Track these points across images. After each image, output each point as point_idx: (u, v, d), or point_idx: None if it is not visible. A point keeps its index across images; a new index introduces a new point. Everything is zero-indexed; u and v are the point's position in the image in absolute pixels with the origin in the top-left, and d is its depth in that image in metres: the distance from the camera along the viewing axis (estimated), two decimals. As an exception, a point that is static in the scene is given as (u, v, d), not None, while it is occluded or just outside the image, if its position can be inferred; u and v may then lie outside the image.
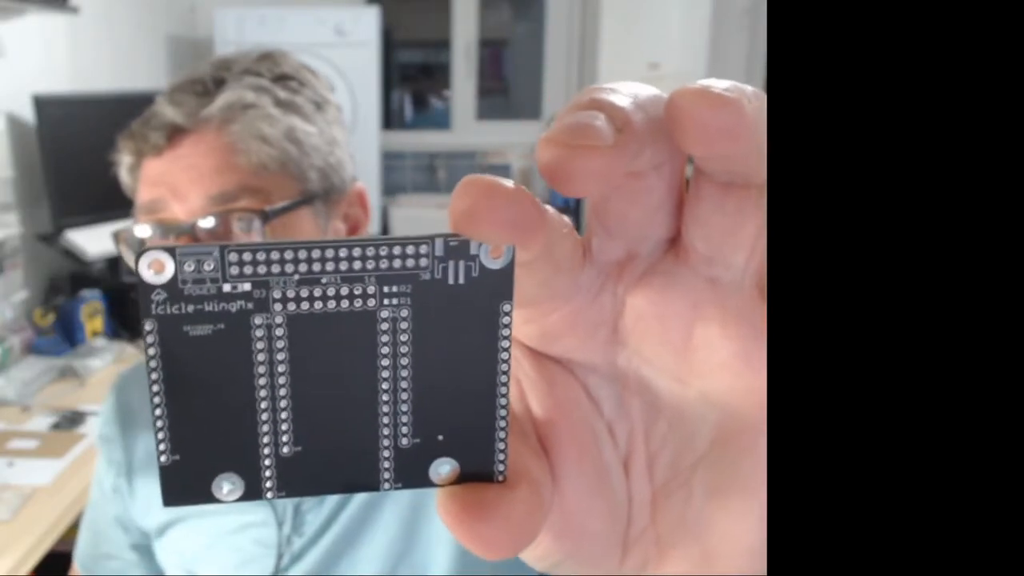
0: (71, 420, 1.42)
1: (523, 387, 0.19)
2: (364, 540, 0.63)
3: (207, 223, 0.59)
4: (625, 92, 0.16)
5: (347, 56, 2.56)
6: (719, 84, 0.15)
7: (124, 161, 0.64)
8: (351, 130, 2.55)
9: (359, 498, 0.63)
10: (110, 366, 1.67)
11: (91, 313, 1.78)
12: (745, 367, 0.18)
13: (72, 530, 0.77)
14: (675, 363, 0.18)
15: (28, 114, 1.75)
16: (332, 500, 0.63)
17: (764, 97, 0.16)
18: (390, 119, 3.16)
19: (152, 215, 0.62)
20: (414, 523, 0.62)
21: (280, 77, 0.66)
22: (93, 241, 1.76)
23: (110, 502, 0.72)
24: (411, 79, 3.33)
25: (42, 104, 1.74)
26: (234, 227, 0.60)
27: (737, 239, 0.17)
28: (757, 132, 0.15)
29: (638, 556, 0.20)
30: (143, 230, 0.61)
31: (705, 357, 0.18)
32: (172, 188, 0.61)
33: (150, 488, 0.69)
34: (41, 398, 1.51)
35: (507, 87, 3.32)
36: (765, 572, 0.19)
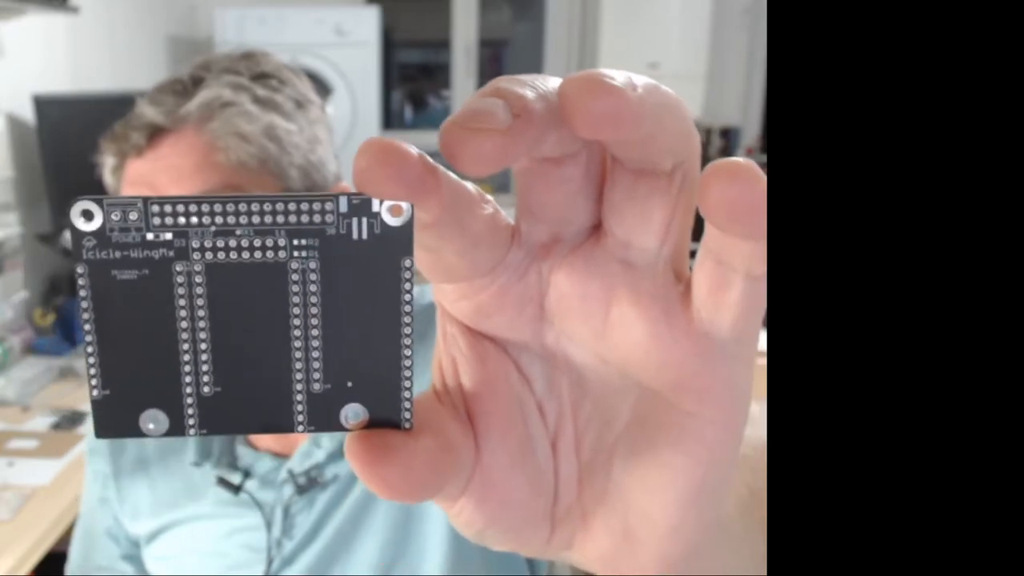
0: (71, 420, 1.42)
1: (457, 363, 0.20)
2: (356, 543, 0.63)
3: None
4: (530, 83, 0.17)
5: (347, 56, 2.55)
6: (608, 73, 0.16)
7: (107, 163, 0.64)
8: (351, 130, 2.55)
9: (350, 501, 0.63)
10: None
11: (91, 313, 1.78)
12: (656, 346, 0.19)
13: (72, 530, 0.77)
14: (595, 341, 0.20)
15: (28, 114, 1.75)
16: (322, 503, 0.63)
17: (660, 89, 0.17)
18: (390, 119, 3.16)
19: None
20: (406, 526, 0.62)
21: (259, 76, 0.66)
22: (93, 241, 1.76)
23: (99, 515, 0.71)
24: (411, 79, 3.32)
25: (42, 104, 1.73)
26: None
27: (649, 224, 0.18)
28: (646, 119, 0.16)
29: (565, 532, 0.21)
30: None
31: (621, 336, 0.19)
32: (153, 187, 0.61)
33: (139, 492, 0.69)
34: (41, 398, 1.51)
35: (507, 87, 3.31)
36: (686, 554, 0.20)
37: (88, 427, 1.38)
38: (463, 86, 3.12)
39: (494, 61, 3.26)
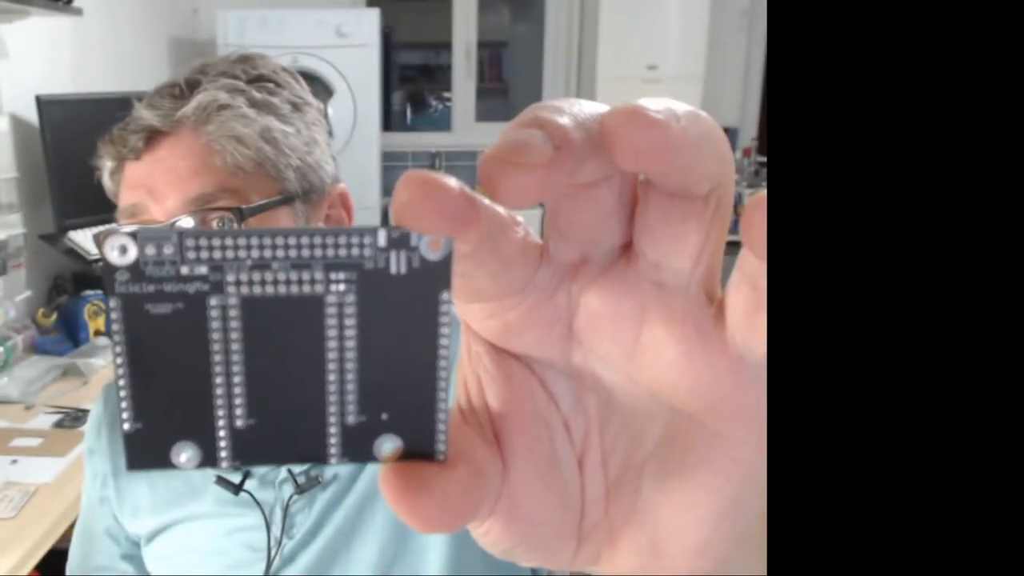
0: (74, 418, 1.43)
1: (482, 382, 0.20)
2: (356, 543, 0.63)
3: (184, 224, 0.59)
4: (568, 110, 0.17)
5: (348, 58, 2.55)
6: (650, 104, 0.16)
7: (106, 166, 0.64)
8: (352, 132, 2.56)
9: (350, 500, 0.63)
10: (112, 365, 1.67)
11: (94, 312, 1.79)
12: (688, 366, 0.18)
13: (74, 528, 0.77)
14: (625, 362, 0.19)
15: (31, 115, 1.76)
16: (322, 502, 0.63)
17: (700, 116, 0.17)
18: (390, 120, 3.16)
19: (133, 218, 0.62)
20: (406, 525, 0.62)
21: (256, 79, 0.66)
22: (95, 241, 1.76)
23: (98, 514, 0.71)
24: (411, 80, 3.33)
25: (45, 105, 1.74)
26: (212, 227, 0.60)
27: (682, 246, 0.18)
28: (688, 149, 0.16)
29: (592, 548, 0.21)
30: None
31: (652, 357, 0.19)
32: (151, 191, 0.61)
33: (138, 492, 0.69)
34: (44, 397, 1.51)
35: (506, 88, 3.32)
36: (715, 569, 0.19)
37: (88, 426, 1.38)
38: (463, 87, 3.12)
39: (493, 62, 3.27)
